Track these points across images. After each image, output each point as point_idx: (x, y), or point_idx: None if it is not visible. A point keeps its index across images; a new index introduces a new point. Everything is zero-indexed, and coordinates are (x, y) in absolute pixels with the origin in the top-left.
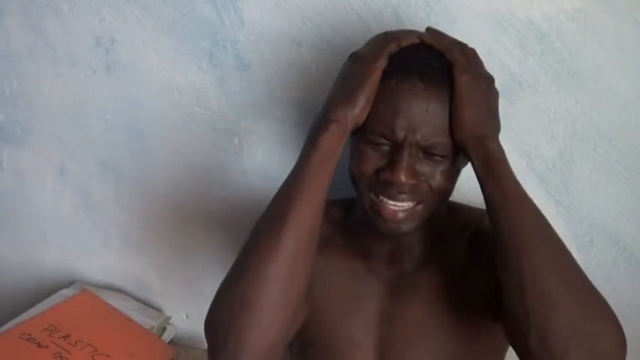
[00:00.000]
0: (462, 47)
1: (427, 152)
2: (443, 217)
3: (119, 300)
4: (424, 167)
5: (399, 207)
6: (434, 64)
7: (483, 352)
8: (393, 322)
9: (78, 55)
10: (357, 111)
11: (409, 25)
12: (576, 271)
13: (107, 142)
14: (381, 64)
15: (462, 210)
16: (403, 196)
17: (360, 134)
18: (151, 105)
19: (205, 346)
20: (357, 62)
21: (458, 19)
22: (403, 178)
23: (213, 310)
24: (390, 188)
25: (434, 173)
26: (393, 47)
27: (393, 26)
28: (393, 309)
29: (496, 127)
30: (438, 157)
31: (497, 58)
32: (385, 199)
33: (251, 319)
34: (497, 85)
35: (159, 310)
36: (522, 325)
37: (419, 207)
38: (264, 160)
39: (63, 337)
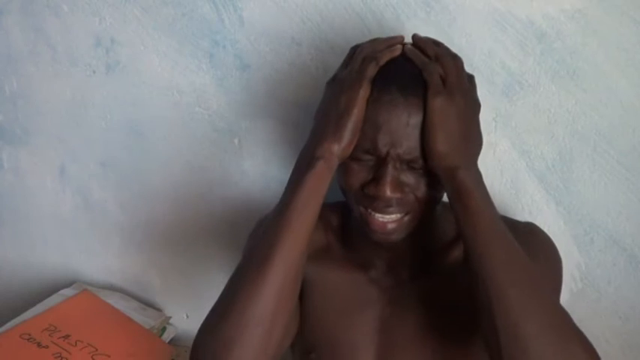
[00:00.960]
0: (444, 61)
1: (411, 165)
2: (439, 220)
3: (119, 300)
4: (409, 178)
5: (387, 219)
6: (414, 74)
7: (481, 357)
8: (393, 329)
9: (78, 55)
10: (344, 145)
11: (409, 25)
12: (550, 307)
13: (107, 142)
14: (365, 92)
15: None
16: (390, 209)
17: None
18: (151, 105)
19: None
20: (340, 91)
21: (458, 19)
22: (388, 192)
23: (197, 347)
24: (376, 202)
25: (419, 184)
26: (372, 70)
27: (394, 26)
28: (393, 317)
29: (472, 151)
30: (421, 170)
31: (497, 58)
32: (373, 212)
33: (234, 359)
34: (498, 85)
35: (159, 310)
36: (495, 357)
37: (407, 217)
38: (264, 160)
39: (63, 337)
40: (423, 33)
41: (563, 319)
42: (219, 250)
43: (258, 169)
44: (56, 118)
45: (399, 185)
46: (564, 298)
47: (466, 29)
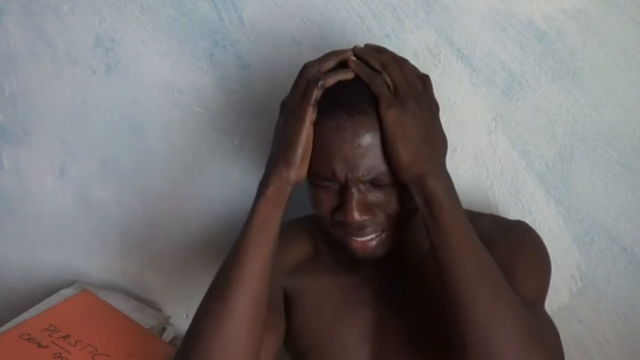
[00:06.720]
0: (390, 69)
1: (375, 183)
2: None
3: (119, 300)
4: (377, 197)
5: (365, 239)
6: (360, 91)
7: None
8: (386, 329)
9: (78, 55)
10: (294, 169)
11: (409, 25)
12: (521, 321)
13: (107, 142)
14: (311, 116)
15: None
16: (365, 231)
17: (309, 177)
18: (151, 105)
19: None
20: (286, 116)
21: (458, 19)
22: (357, 217)
23: None
24: (349, 227)
25: (388, 201)
26: (316, 94)
27: (394, 26)
28: (386, 316)
29: (438, 155)
30: (387, 187)
31: (497, 58)
32: (350, 236)
33: None
34: (498, 85)
35: (159, 309)
36: None
37: (384, 234)
38: (264, 159)
39: (63, 337)
40: (423, 33)
41: (533, 328)
42: (219, 250)
43: (258, 169)
44: (56, 118)
45: (366, 207)
46: (564, 298)
47: (466, 29)
